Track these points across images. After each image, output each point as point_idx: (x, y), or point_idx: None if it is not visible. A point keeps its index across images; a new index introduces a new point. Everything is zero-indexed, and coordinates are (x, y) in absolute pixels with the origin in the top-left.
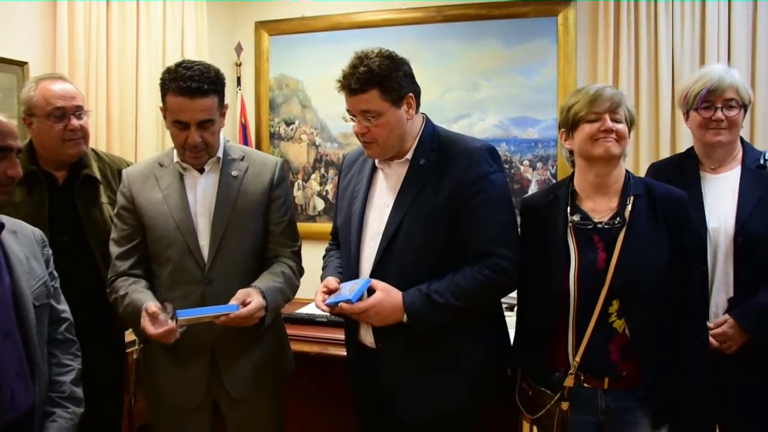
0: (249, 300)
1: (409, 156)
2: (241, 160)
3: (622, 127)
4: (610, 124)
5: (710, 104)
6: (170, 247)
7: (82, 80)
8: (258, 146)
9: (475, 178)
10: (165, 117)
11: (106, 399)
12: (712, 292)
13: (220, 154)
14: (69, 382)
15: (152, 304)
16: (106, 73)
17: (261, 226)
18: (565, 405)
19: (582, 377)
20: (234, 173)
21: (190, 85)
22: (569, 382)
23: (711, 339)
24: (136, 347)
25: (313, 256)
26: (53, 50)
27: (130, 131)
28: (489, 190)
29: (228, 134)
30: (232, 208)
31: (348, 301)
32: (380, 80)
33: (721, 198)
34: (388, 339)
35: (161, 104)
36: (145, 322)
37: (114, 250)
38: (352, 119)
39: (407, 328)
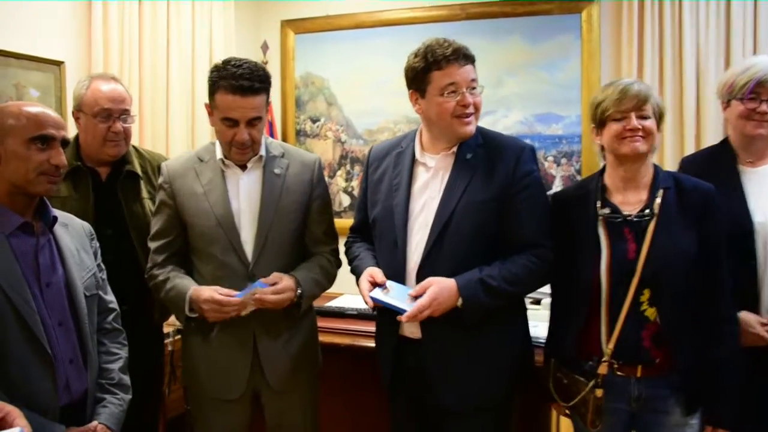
0: (277, 281)
1: (454, 150)
2: (282, 156)
3: (649, 123)
4: (635, 123)
5: (756, 96)
6: (213, 244)
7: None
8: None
9: (522, 174)
10: (210, 114)
11: (145, 388)
12: (763, 287)
13: (263, 151)
14: (117, 370)
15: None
16: (138, 71)
17: (302, 224)
18: (599, 392)
19: (615, 365)
20: (276, 171)
21: (243, 84)
22: (603, 369)
23: (764, 333)
24: (171, 339)
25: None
26: (88, 50)
27: (161, 128)
28: (534, 186)
29: None
30: (276, 206)
31: (403, 311)
32: (474, 58)
33: (765, 191)
34: (434, 329)
35: (207, 101)
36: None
37: (152, 243)
38: (449, 93)
39: (454, 317)
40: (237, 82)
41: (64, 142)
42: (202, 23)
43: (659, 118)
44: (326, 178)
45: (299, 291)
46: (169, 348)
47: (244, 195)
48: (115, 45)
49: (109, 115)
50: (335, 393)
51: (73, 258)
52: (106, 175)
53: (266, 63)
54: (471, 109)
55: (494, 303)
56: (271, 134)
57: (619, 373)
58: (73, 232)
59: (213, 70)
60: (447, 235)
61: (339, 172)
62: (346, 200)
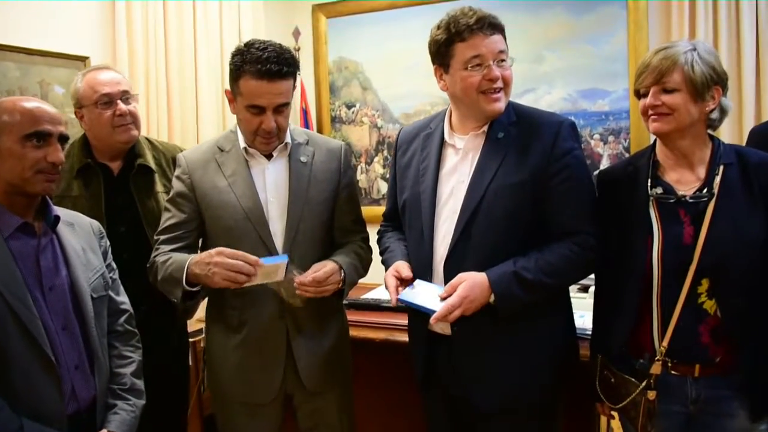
0: (318, 269)
1: (485, 129)
2: (306, 144)
3: (671, 98)
4: (651, 99)
5: None
6: (241, 239)
7: (141, 72)
8: (319, 130)
9: (561, 153)
10: (232, 101)
11: (170, 390)
12: None
13: (288, 139)
14: (130, 374)
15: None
16: (165, 63)
17: (331, 215)
18: (651, 394)
19: (669, 363)
20: (303, 159)
21: (270, 68)
22: (656, 369)
23: None
24: (204, 336)
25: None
26: (113, 44)
27: (191, 122)
28: (574, 166)
29: (289, 120)
30: (305, 196)
31: (432, 312)
32: (503, 26)
33: None
34: (465, 325)
35: (228, 88)
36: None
37: (161, 235)
38: (473, 67)
39: (487, 312)
40: (263, 66)
41: (62, 138)
42: (231, 11)
43: (699, 84)
44: (363, 165)
45: (342, 275)
46: (202, 344)
47: (272, 185)
48: (139, 38)
49: (110, 100)
50: (370, 390)
51: (79, 258)
52: (118, 170)
53: (298, 49)
54: (499, 83)
55: (531, 297)
56: (306, 122)
57: (673, 372)
58: (79, 231)
59: (235, 53)
60: (476, 222)
61: (376, 159)
62: (383, 187)
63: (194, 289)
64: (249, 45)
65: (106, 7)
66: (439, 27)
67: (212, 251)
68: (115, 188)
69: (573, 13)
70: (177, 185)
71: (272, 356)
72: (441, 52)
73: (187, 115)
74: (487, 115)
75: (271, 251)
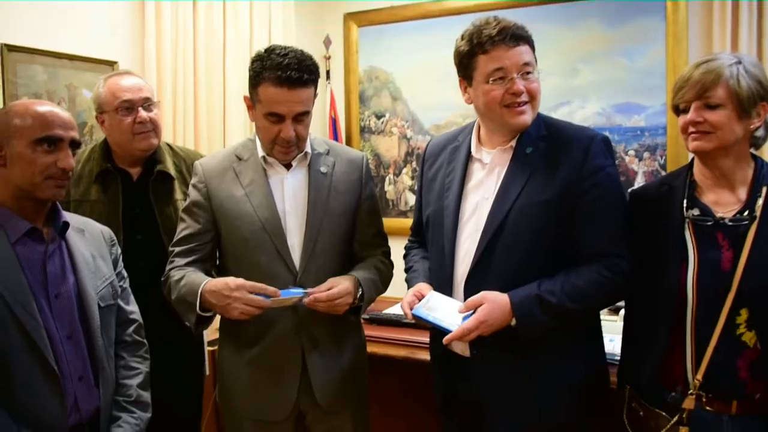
0: (332, 285)
1: (513, 143)
2: (327, 154)
3: (714, 116)
4: (692, 116)
5: None
6: (257, 250)
7: (169, 78)
8: (348, 140)
9: (592, 170)
10: (250, 108)
11: (186, 401)
12: None
13: (308, 148)
14: (136, 386)
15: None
16: (193, 69)
17: (351, 227)
18: (684, 430)
19: (704, 398)
20: (323, 169)
21: (291, 75)
22: (689, 403)
23: None
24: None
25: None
26: (141, 49)
27: (218, 129)
28: (606, 184)
29: (318, 129)
30: (325, 208)
31: (448, 331)
32: (529, 36)
33: None
34: (485, 347)
35: (247, 94)
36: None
37: (176, 247)
38: (495, 80)
39: (507, 334)
40: (284, 73)
41: (74, 144)
42: (261, 19)
43: (746, 101)
44: (391, 176)
45: (360, 291)
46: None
47: (290, 196)
48: (168, 44)
49: (131, 106)
50: (389, 409)
51: (87, 266)
52: (137, 176)
53: (329, 58)
54: (524, 97)
55: (554, 323)
56: (335, 131)
57: (708, 408)
58: (89, 238)
59: (255, 59)
60: (500, 241)
61: (405, 170)
62: (412, 199)
63: (208, 314)
64: (270, 51)
65: (136, 13)
66: (462, 38)
67: (230, 283)
68: (134, 194)
69: (609, 24)
70: (193, 194)
71: (286, 373)
72: (464, 64)
73: (214, 121)
74: (513, 128)
75: (287, 264)
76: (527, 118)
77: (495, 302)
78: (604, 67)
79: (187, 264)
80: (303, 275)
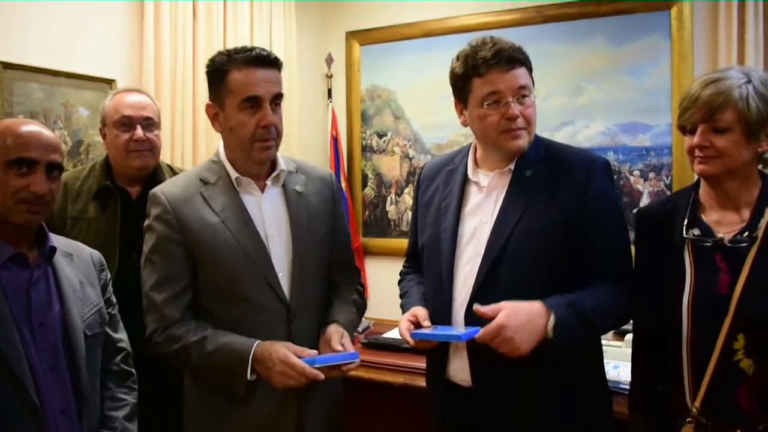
0: (345, 342)
1: (511, 166)
2: (296, 172)
3: (721, 140)
4: (698, 140)
5: None
6: (244, 283)
7: (168, 96)
8: (350, 160)
9: (595, 194)
10: (216, 116)
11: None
12: None
13: (282, 165)
14: (122, 418)
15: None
16: (192, 89)
17: (329, 250)
18: None
19: (708, 426)
20: (298, 188)
21: (261, 53)
22: (687, 431)
23: None
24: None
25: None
26: (140, 67)
27: (216, 146)
28: (609, 208)
29: (319, 148)
30: (307, 230)
31: (455, 339)
32: (526, 58)
33: None
34: (488, 375)
35: (208, 102)
36: (287, 352)
37: (159, 295)
38: (490, 105)
39: (510, 363)
40: (254, 53)
41: (54, 167)
42: (262, 38)
43: (756, 125)
44: (393, 196)
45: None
46: None
47: (270, 220)
48: (167, 62)
49: (129, 123)
50: None
51: (75, 293)
52: (136, 195)
53: (331, 76)
54: (520, 123)
55: (585, 336)
56: (336, 150)
57: None
58: (78, 263)
59: (215, 57)
60: (501, 267)
61: (407, 190)
62: None
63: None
64: (227, 49)
65: (134, 30)
66: (458, 58)
67: (275, 357)
68: (133, 213)
69: (614, 43)
70: (159, 228)
71: (281, 422)
72: (459, 87)
73: (212, 140)
74: (509, 153)
75: (278, 294)
76: (523, 143)
77: (517, 308)
78: (609, 86)
79: (183, 314)
80: (294, 305)
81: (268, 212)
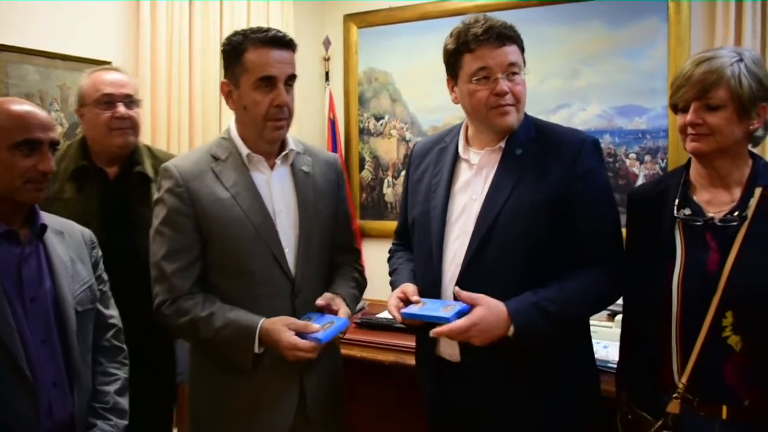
0: (337, 308)
1: (502, 144)
2: (304, 153)
3: (713, 118)
4: (691, 117)
5: None
6: (252, 258)
7: (164, 78)
8: (347, 142)
9: (583, 172)
10: (230, 93)
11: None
12: None
13: (291, 146)
14: (113, 393)
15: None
16: (188, 71)
17: (333, 231)
18: None
19: (695, 403)
20: (305, 169)
21: (277, 35)
22: (673, 407)
23: None
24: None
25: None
26: (136, 49)
27: (213, 130)
28: (598, 186)
29: (316, 131)
30: (314, 209)
31: (444, 321)
32: (517, 36)
33: None
34: (476, 352)
35: (224, 80)
36: (291, 337)
37: (170, 266)
38: (479, 80)
39: (501, 340)
40: (270, 33)
41: (53, 144)
42: (259, 20)
43: (746, 101)
44: (390, 179)
45: (350, 312)
46: None
47: (279, 197)
48: (163, 44)
49: (110, 101)
50: (377, 418)
51: (66, 270)
52: (114, 176)
53: (328, 59)
54: (509, 99)
55: (553, 330)
56: (333, 133)
57: (701, 413)
58: (69, 241)
59: (231, 37)
60: (490, 244)
61: (404, 172)
62: None
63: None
64: (245, 29)
65: (130, 12)
66: (450, 36)
67: (282, 337)
68: (111, 194)
69: (611, 25)
70: (170, 201)
71: (284, 395)
72: (450, 63)
73: (209, 122)
74: (498, 130)
75: (284, 270)
76: (512, 119)
77: (491, 308)
78: (605, 69)
79: (192, 287)
80: (299, 280)
81: (276, 190)
